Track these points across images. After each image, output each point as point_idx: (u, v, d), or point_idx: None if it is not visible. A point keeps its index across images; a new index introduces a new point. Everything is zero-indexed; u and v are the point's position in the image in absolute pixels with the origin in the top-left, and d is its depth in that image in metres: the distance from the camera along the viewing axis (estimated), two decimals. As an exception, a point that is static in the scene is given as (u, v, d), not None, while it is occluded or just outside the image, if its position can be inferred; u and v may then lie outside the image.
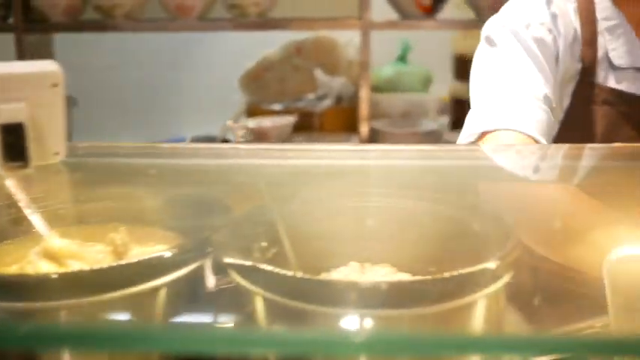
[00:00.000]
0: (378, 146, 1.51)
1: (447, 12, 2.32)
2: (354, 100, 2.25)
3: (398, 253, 0.79)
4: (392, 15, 2.16)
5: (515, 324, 0.89)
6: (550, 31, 1.02)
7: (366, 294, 0.54)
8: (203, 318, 0.65)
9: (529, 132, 0.95)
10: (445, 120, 2.54)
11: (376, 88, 2.56)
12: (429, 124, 2.33)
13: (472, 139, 1.00)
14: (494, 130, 0.97)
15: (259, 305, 0.61)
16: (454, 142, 2.26)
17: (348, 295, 0.56)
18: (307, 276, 0.54)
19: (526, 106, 0.97)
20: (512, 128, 0.96)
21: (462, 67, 2.53)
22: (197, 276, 0.66)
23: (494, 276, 0.60)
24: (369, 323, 0.56)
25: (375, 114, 2.40)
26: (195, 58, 2.91)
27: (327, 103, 2.33)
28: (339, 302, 0.55)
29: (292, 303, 0.57)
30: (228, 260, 0.61)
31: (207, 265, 0.67)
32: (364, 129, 2.12)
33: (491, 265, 0.59)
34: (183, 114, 2.93)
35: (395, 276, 0.75)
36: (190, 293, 0.66)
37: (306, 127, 2.34)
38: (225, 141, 2.48)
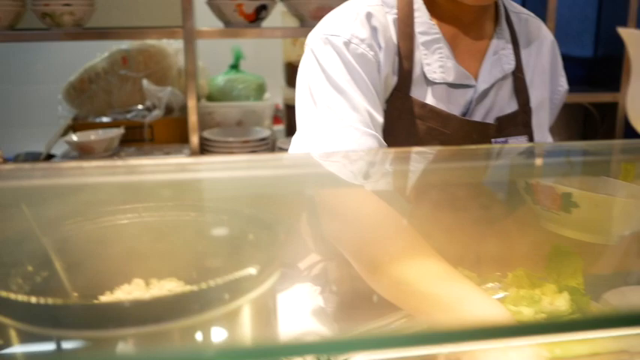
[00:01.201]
0: (182, 160, 1.48)
1: (275, 20, 2.34)
2: (185, 109, 2.21)
3: (184, 267, 0.77)
4: (219, 24, 2.15)
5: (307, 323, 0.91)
6: (370, 46, 1.01)
7: (111, 314, 0.52)
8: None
9: None
10: (280, 127, 2.57)
11: (210, 97, 2.53)
12: (263, 132, 2.34)
13: None
14: None
15: (12, 336, 0.57)
16: (288, 149, 2.30)
17: (100, 316, 0.54)
18: (47, 301, 0.51)
19: (345, 131, 0.97)
20: None
21: (293, 73, 2.56)
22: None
23: (259, 281, 0.60)
24: (126, 343, 0.54)
25: (210, 123, 2.38)
26: (16, 71, 2.74)
27: (156, 113, 2.27)
28: (87, 325, 0.52)
29: (42, 331, 0.54)
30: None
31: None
32: (194, 139, 2.09)
33: (253, 271, 0.59)
34: (7, 131, 2.74)
35: (180, 289, 0.74)
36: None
37: (137, 139, 2.27)
38: (50, 157, 2.34)
